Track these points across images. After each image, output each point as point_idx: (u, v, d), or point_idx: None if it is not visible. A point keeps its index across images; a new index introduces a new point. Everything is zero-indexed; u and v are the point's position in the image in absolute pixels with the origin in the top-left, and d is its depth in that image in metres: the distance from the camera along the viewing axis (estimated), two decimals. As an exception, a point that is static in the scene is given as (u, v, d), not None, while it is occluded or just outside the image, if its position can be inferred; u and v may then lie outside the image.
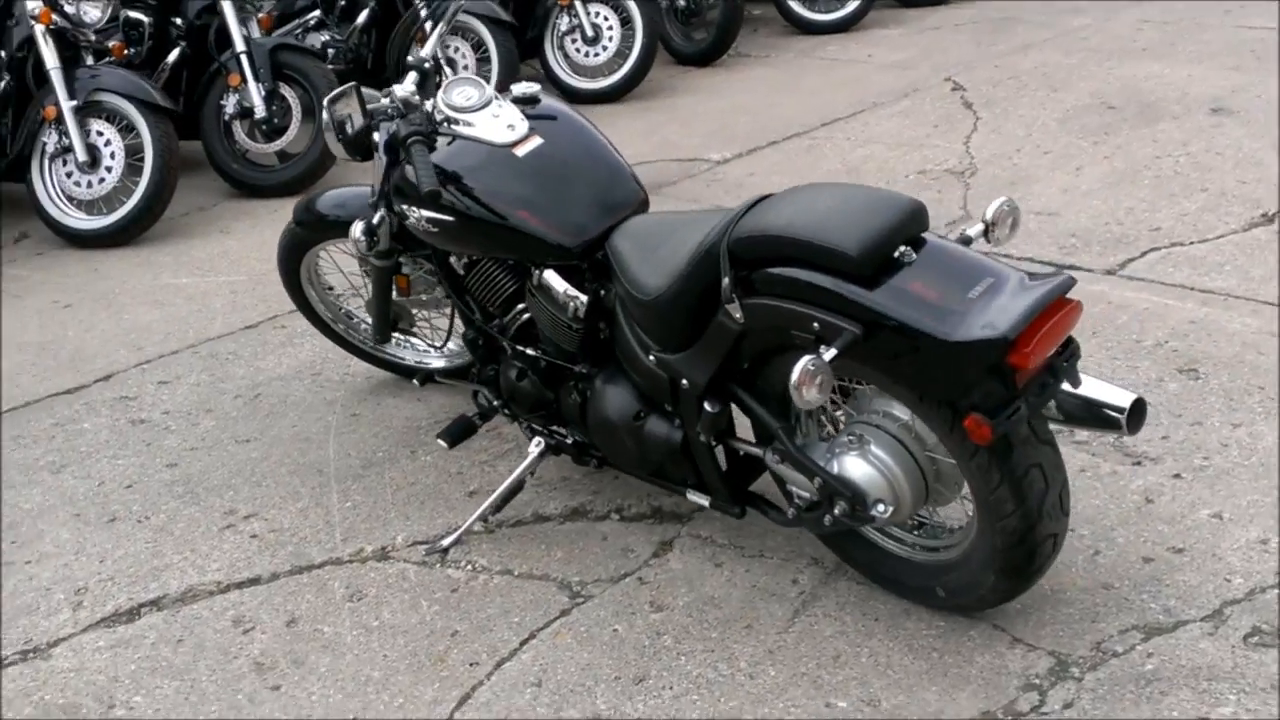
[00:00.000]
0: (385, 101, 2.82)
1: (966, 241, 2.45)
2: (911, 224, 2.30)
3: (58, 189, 5.36)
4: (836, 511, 2.47)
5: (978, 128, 5.94)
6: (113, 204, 5.33)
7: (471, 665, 2.61)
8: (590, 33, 6.99)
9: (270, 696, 2.56)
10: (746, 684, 2.48)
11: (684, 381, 2.60)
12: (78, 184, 5.32)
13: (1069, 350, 2.28)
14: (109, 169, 5.30)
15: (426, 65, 3.03)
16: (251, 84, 5.76)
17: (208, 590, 2.94)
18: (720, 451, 2.75)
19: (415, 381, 3.54)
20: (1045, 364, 2.23)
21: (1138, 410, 2.34)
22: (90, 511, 3.31)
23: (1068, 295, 2.20)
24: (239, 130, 5.87)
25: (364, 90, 2.86)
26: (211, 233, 5.49)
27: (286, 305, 4.02)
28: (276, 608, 2.84)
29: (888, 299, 2.21)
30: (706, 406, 2.58)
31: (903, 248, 2.27)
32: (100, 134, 5.31)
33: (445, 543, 3.00)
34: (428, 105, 2.87)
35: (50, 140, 5.30)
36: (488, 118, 2.85)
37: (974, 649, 2.50)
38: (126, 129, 5.31)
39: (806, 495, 2.56)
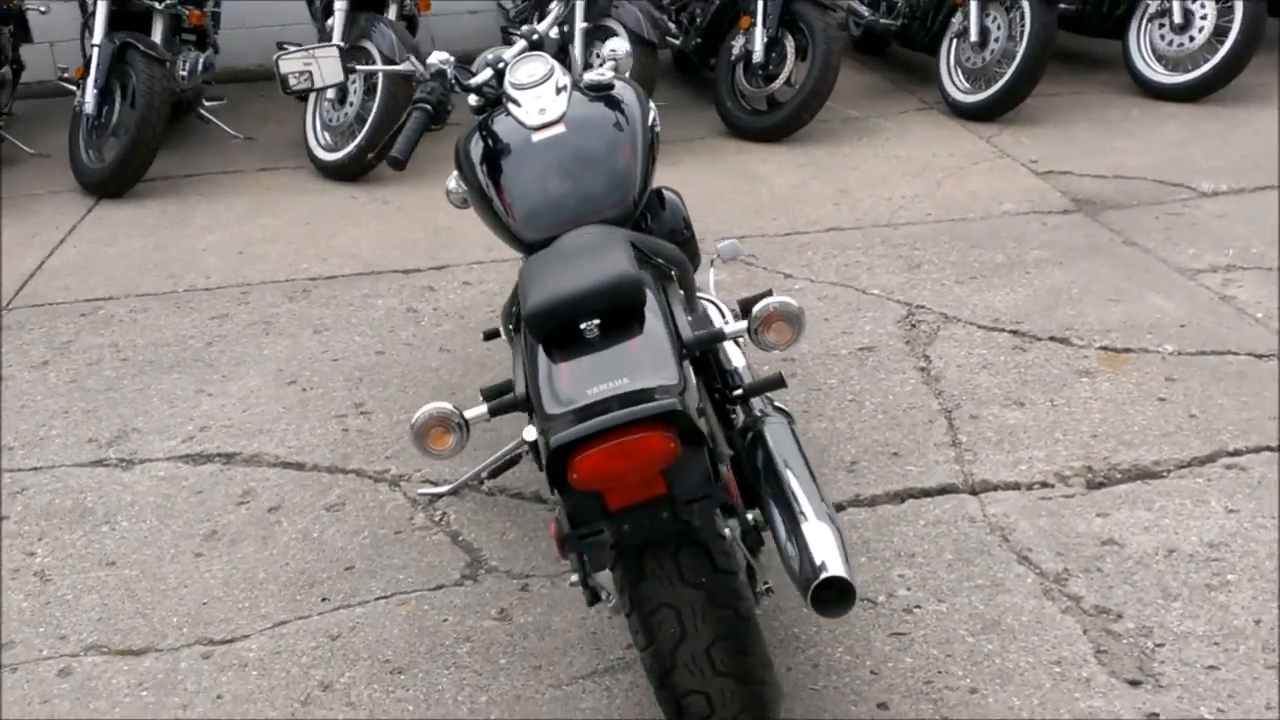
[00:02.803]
0: (408, 65, 2.93)
1: (718, 336, 2.08)
2: (607, 298, 2.02)
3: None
4: (573, 579, 2.29)
5: None
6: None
7: (322, 600, 2.79)
8: (1179, 19, 6.10)
9: (185, 560, 2.96)
10: (456, 715, 2.40)
11: None
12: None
13: (708, 494, 1.90)
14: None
15: (535, 37, 3.08)
16: (759, 28, 5.90)
17: (265, 460, 3.37)
18: None
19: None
20: (658, 497, 1.88)
21: (836, 591, 1.89)
22: (288, 371, 3.89)
23: (660, 423, 1.83)
24: (740, 71, 6.06)
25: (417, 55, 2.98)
26: (675, 156, 5.78)
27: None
28: (279, 493, 3.20)
29: (540, 371, 2.00)
30: None
31: (594, 322, 2.00)
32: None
33: (438, 490, 3.15)
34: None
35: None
36: (531, 97, 2.86)
37: (668, 787, 2.19)
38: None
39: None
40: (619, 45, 3.21)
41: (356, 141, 5.61)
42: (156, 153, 5.68)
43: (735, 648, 1.99)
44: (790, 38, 5.89)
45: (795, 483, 2.18)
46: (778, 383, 2.52)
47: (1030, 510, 2.93)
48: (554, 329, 2.01)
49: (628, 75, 3.19)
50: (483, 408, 2.07)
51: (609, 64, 3.23)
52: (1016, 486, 3.03)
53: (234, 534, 3.04)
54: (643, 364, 1.94)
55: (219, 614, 2.75)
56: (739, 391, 2.51)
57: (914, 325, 3.92)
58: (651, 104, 3.02)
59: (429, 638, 2.63)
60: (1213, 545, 2.76)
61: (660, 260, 2.28)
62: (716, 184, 5.39)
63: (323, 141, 5.86)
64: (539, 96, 2.84)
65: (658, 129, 2.97)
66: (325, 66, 2.86)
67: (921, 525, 2.90)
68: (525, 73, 2.89)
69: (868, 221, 4.85)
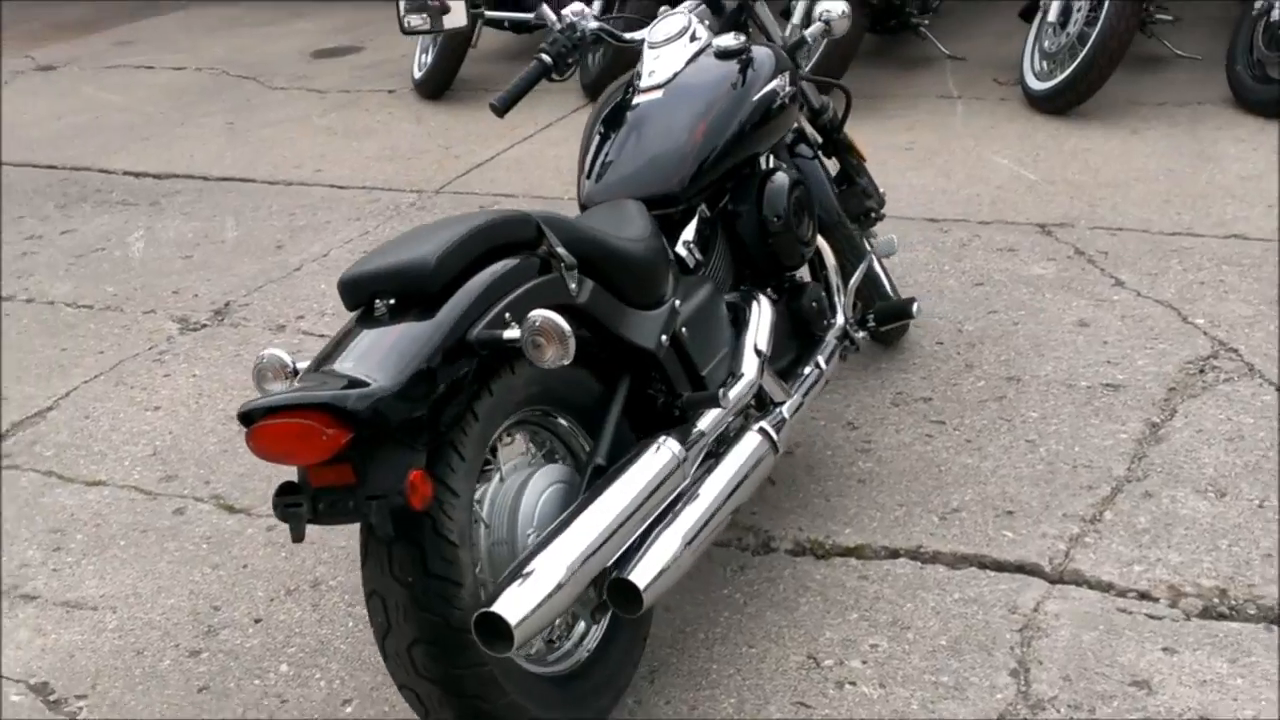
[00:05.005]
0: (548, 14, 2.93)
1: (494, 341, 1.98)
2: (393, 281, 2.02)
3: None
4: None
5: None
6: None
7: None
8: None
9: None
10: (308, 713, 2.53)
11: None
12: None
13: (384, 495, 1.88)
14: None
15: None
16: (1288, -21, 4.99)
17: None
18: None
19: None
20: (348, 485, 1.91)
21: (501, 626, 1.88)
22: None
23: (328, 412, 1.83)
24: (1259, 30, 5.16)
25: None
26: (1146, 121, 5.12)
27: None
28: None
29: (337, 338, 2.07)
30: None
31: (385, 302, 2.03)
32: None
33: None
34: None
35: None
36: (653, 56, 2.84)
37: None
38: None
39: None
40: (834, 6, 3.04)
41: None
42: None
43: (439, 655, 1.98)
44: (1326, -5, 4.89)
45: (579, 514, 2.07)
46: (712, 401, 2.38)
47: (1092, 619, 2.45)
48: (354, 301, 2.07)
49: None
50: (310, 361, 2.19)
51: (818, 26, 3.07)
52: (1108, 588, 2.54)
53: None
54: (379, 354, 1.94)
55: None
56: (679, 402, 2.38)
57: (1201, 370, 3.28)
58: (781, 79, 2.83)
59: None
60: (1261, 729, 2.16)
61: (560, 252, 2.17)
62: (1154, 161, 4.71)
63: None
64: (658, 57, 2.83)
65: (778, 104, 2.80)
66: (448, 9, 2.95)
67: (952, 599, 2.55)
68: (663, 30, 2.87)
69: (1289, 234, 4.02)
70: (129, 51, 8.07)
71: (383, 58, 7.27)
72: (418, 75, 6.53)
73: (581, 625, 2.29)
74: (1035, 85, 5.34)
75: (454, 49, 6.27)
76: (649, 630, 2.40)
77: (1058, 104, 5.25)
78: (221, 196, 5.33)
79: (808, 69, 5.41)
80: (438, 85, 6.42)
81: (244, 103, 6.72)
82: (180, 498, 3.16)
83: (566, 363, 1.98)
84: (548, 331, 1.95)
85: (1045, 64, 5.38)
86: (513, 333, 1.98)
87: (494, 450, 2.18)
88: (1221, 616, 2.44)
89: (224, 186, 5.44)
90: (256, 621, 2.69)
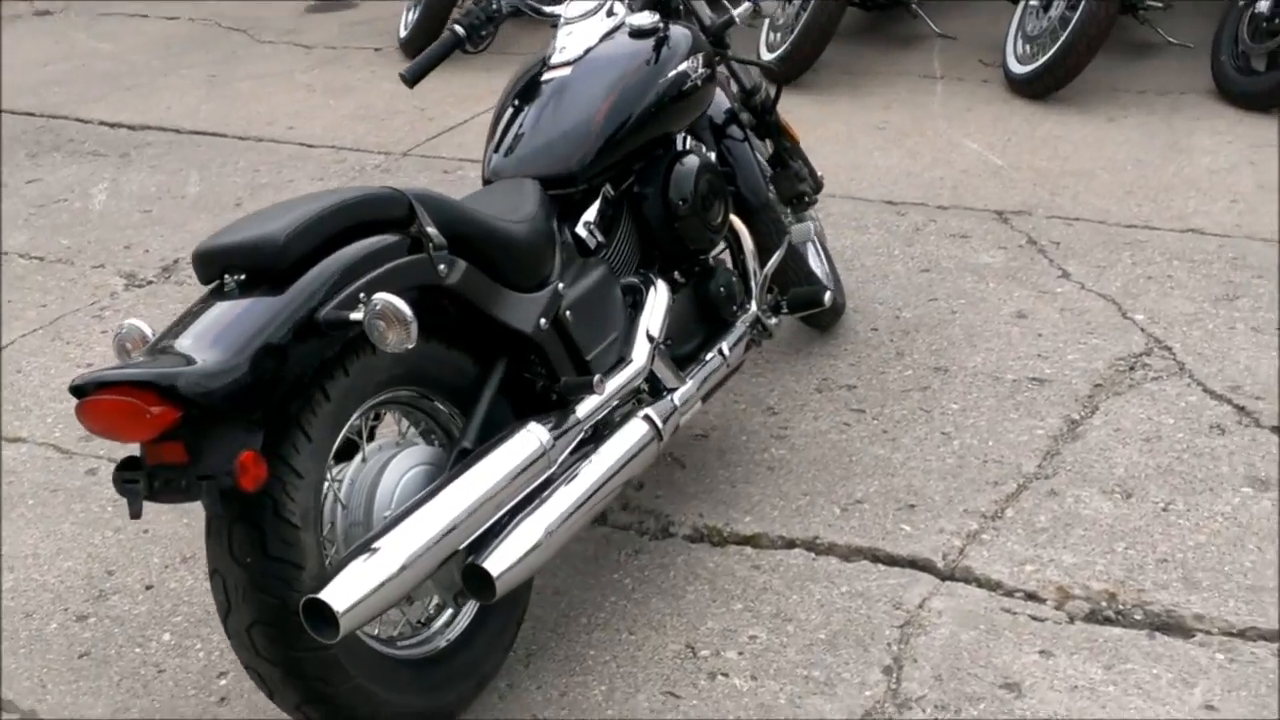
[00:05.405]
0: None
1: (341, 322, 1.96)
2: (242, 257, 1.99)
3: None
4: None
5: None
6: None
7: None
8: None
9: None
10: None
11: None
12: None
13: (212, 476, 1.86)
14: None
15: None
16: (1274, -30, 4.88)
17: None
18: None
19: None
20: (180, 464, 1.89)
21: (328, 614, 1.86)
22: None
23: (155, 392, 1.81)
24: (1245, 21, 5.06)
25: None
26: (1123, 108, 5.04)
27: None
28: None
29: (188, 311, 2.05)
30: None
31: (235, 277, 2.01)
32: None
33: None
34: None
35: None
36: (565, 33, 2.81)
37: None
38: None
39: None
40: None
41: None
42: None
43: (276, 637, 1.96)
44: (1312, -14, 4.79)
45: (429, 499, 2.05)
46: (587, 387, 2.36)
47: (974, 619, 2.43)
48: (206, 276, 2.05)
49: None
50: None
51: (746, 6, 3.03)
52: (996, 587, 2.52)
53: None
54: (218, 331, 1.91)
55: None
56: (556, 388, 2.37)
57: (1130, 368, 3.24)
58: (695, 59, 2.79)
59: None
60: (1124, 741, 2.14)
61: (430, 231, 2.13)
62: (1125, 150, 4.64)
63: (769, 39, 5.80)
64: (570, 33, 2.79)
65: (690, 85, 2.75)
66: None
67: (839, 593, 2.53)
68: (579, 6, 2.83)
69: (1256, 232, 3.94)
70: (127, -1, 8.04)
71: (374, 15, 7.22)
72: (403, 34, 6.48)
73: (449, 611, 2.28)
74: (1016, 68, 5.27)
75: (438, 9, 6.23)
76: (524, 615, 2.39)
77: (1036, 88, 5.17)
78: (191, 150, 5.32)
79: (787, 46, 5.38)
80: (421, 45, 6.31)
81: (230, 55, 6.70)
82: (95, 458, 3.16)
83: (410, 347, 1.95)
84: (388, 315, 1.92)
85: (1027, 47, 5.30)
86: (357, 314, 1.95)
87: (369, 431, 2.16)
88: (1106, 621, 2.41)
89: (195, 140, 5.43)
90: (148, 588, 2.70)
